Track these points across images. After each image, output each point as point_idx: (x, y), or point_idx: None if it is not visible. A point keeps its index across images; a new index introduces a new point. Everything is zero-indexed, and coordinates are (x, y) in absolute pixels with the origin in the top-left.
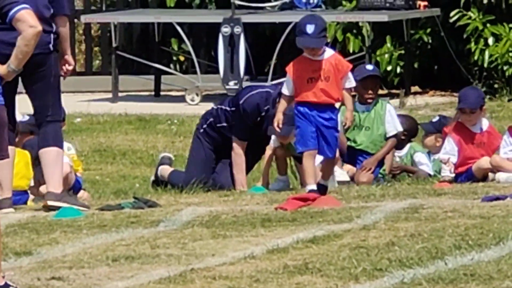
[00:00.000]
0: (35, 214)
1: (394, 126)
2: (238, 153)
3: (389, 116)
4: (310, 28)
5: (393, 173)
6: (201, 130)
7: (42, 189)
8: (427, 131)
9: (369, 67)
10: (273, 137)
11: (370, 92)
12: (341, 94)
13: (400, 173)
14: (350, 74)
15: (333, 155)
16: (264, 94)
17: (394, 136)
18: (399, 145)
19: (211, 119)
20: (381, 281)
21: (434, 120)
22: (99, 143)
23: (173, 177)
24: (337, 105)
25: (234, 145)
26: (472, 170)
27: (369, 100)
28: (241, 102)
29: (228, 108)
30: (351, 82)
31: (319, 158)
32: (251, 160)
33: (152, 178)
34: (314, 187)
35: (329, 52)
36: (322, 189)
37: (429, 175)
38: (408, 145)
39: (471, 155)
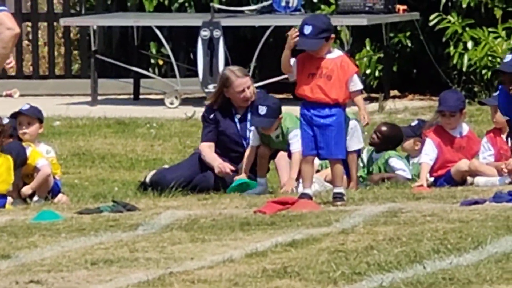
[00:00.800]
0: (14, 217)
1: (355, 143)
2: (203, 150)
3: (352, 132)
4: (307, 29)
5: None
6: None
7: (25, 189)
8: (406, 135)
9: None
10: (251, 135)
11: None
12: (343, 96)
13: (380, 180)
14: (355, 77)
15: (337, 155)
16: None
17: (353, 151)
18: (379, 150)
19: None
20: (360, 285)
21: (413, 124)
22: (78, 146)
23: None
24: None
25: (200, 148)
26: (451, 172)
27: None
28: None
29: None
30: (356, 85)
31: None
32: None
33: (142, 179)
34: (309, 191)
35: (336, 53)
36: (339, 196)
37: (408, 179)
38: None
39: (450, 158)
